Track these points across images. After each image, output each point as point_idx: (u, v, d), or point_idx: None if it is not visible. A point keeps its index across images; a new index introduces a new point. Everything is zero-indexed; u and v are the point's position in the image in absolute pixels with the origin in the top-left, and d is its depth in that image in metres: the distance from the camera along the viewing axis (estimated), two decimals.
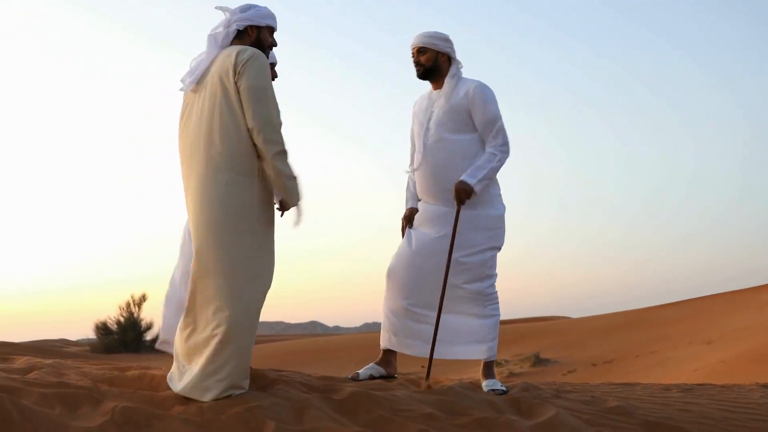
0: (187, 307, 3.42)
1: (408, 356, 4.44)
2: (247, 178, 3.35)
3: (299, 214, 3.50)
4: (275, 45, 3.66)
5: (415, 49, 4.31)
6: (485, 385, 4.11)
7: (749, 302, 21.26)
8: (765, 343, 12.88)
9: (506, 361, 17.10)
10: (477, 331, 4.21)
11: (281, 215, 3.57)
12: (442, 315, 4.17)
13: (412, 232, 4.34)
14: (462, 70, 4.33)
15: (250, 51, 3.37)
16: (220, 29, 3.54)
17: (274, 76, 4.44)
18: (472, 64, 4.41)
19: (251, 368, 4.10)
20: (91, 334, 21.11)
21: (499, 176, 4.30)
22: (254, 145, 3.36)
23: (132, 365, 4.08)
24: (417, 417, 3.25)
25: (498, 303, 4.28)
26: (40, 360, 4.10)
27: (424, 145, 4.28)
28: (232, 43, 3.53)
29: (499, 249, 4.31)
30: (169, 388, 3.35)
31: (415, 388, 3.88)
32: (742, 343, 14.04)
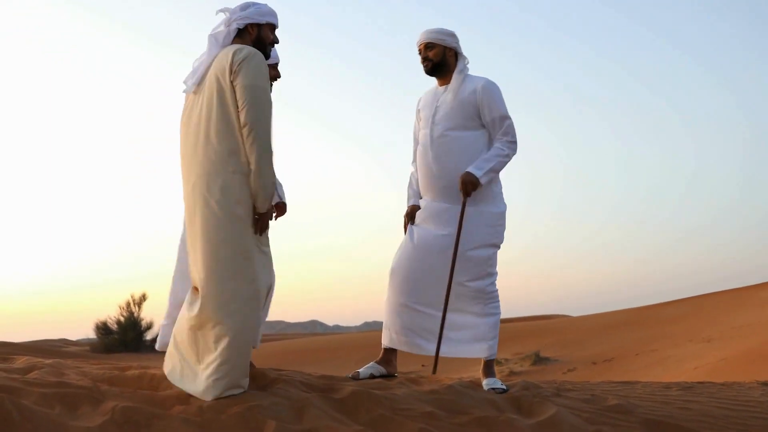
0: (187, 299, 3.42)
1: (408, 355, 4.44)
2: (243, 178, 3.35)
3: (264, 220, 3.42)
4: (276, 42, 3.66)
5: (422, 45, 4.33)
6: (485, 383, 4.11)
7: (749, 300, 21.27)
8: (765, 342, 12.88)
9: (506, 360, 17.10)
10: (478, 330, 4.21)
11: (275, 219, 3.55)
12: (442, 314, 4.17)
13: (415, 229, 4.33)
14: (468, 66, 4.35)
15: (247, 50, 3.37)
16: (221, 28, 3.54)
17: (277, 76, 4.43)
18: (473, 63, 4.42)
19: (253, 367, 4.11)
20: (91, 334, 21.12)
21: (500, 175, 4.31)
22: None
23: (132, 365, 4.08)
24: (417, 416, 3.25)
25: (498, 301, 4.29)
26: (40, 360, 4.10)
27: (429, 139, 4.28)
28: (233, 41, 3.53)
29: (499, 247, 4.32)
30: (170, 388, 3.35)
31: (416, 387, 3.88)
32: (743, 342, 14.05)
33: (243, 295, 3.30)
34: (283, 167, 3.95)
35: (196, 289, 3.41)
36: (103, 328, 20.26)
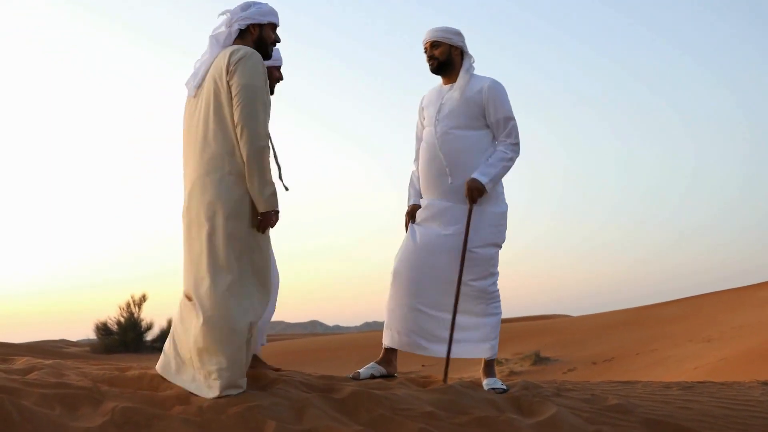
0: (182, 301, 3.43)
1: (408, 355, 4.44)
2: (239, 178, 3.35)
3: (266, 219, 3.39)
4: (278, 41, 3.66)
5: (428, 44, 4.32)
6: (486, 383, 4.11)
7: (749, 300, 21.27)
8: (765, 341, 12.88)
9: (506, 360, 17.10)
10: (481, 330, 4.21)
11: (272, 225, 3.50)
12: (446, 314, 4.17)
13: (417, 228, 4.32)
14: (474, 64, 4.35)
15: (243, 51, 3.37)
16: (222, 29, 3.53)
17: (279, 78, 4.43)
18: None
19: (265, 365, 4.12)
20: (91, 335, 21.11)
21: None
22: None
23: (132, 365, 4.08)
24: (417, 416, 3.24)
25: (500, 301, 4.29)
26: (40, 360, 4.10)
27: (433, 137, 4.28)
28: (235, 42, 3.53)
29: (501, 246, 4.32)
30: (170, 388, 3.36)
31: (416, 387, 3.88)
32: (743, 341, 14.05)
33: (237, 295, 3.31)
34: (283, 167, 3.95)
35: (188, 297, 3.42)
36: (103, 329, 20.24)
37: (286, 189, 3.72)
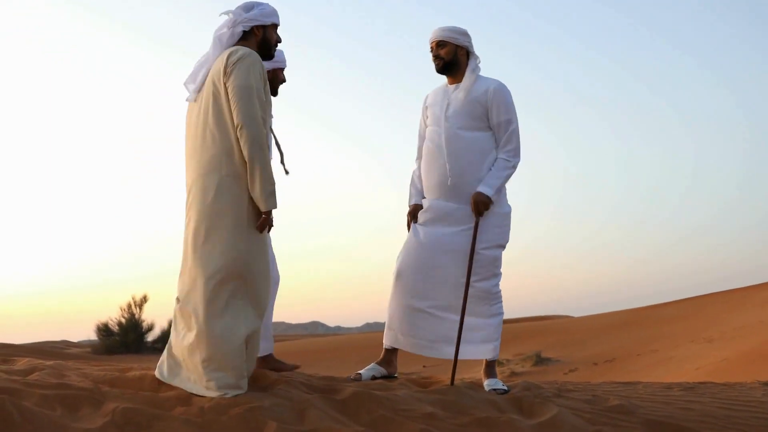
0: (180, 304, 3.43)
1: (409, 356, 4.44)
2: (237, 179, 3.35)
3: (267, 219, 3.40)
4: (280, 41, 3.66)
5: (434, 43, 4.31)
6: (487, 384, 4.10)
7: (750, 300, 21.25)
8: (766, 342, 12.87)
9: (508, 361, 17.09)
10: (484, 331, 4.20)
11: (268, 229, 3.51)
12: (450, 315, 4.17)
13: (420, 229, 4.31)
14: (480, 65, 4.34)
15: (241, 52, 3.36)
16: (225, 30, 3.52)
17: (282, 80, 4.43)
18: None
19: (283, 364, 4.11)
20: (92, 336, 21.10)
21: None
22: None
23: (133, 366, 4.08)
24: (418, 416, 3.24)
25: (502, 302, 4.29)
26: (41, 361, 4.10)
27: (438, 137, 4.28)
28: (238, 43, 3.53)
29: (504, 247, 4.32)
30: (171, 389, 3.36)
31: (417, 388, 3.88)
32: (744, 342, 14.04)
33: (231, 305, 3.31)
34: (285, 153, 3.93)
35: (179, 300, 3.42)
36: (104, 330, 20.24)
37: (287, 173, 3.73)
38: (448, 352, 4.17)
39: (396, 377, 4.29)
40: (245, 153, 3.31)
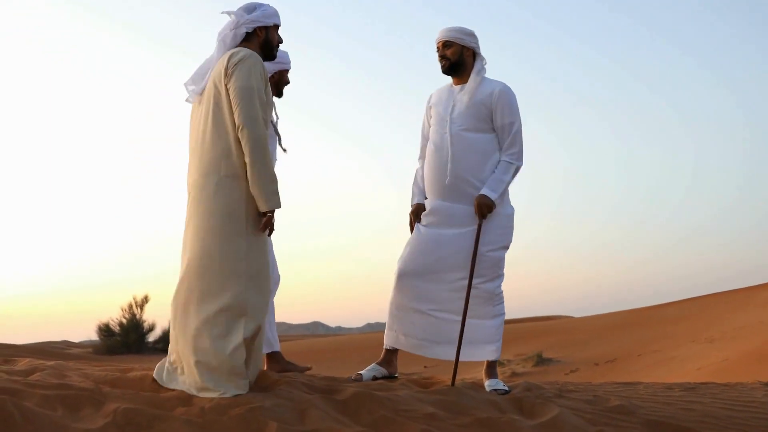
0: (178, 304, 3.43)
1: (410, 356, 4.43)
2: (235, 181, 3.35)
3: (268, 219, 3.39)
4: (281, 42, 3.67)
5: (441, 44, 4.31)
6: (488, 384, 4.10)
7: (751, 301, 21.23)
8: (767, 342, 12.86)
9: (509, 361, 17.09)
10: (485, 332, 4.20)
11: (268, 231, 3.50)
12: (451, 316, 4.17)
13: (423, 229, 4.30)
14: (486, 66, 4.34)
15: (242, 53, 3.37)
16: (228, 32, 3.52)
17: (286, 81, 4.43)
18: None
19: (296, 367, 4.12)
20: (93, 336, 21.11)
21: None
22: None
23: (134, 366, 4.09)
24: (419, 417, 3.24)
25: (504, 303, 4.29)
26: (42, 362, 4.11)
27: (442, 138, 4.27)
28: (240, 44, 3.53)
29: (508, 248, 4.32)
30: (171, 390, 3.36)
31: (418, 388, 3.88)
32: (745, 342, 14.03)
33: (230, 297, 3.31)
34: (283, 167, 3.96)
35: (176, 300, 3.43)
36: (105, 330, 20.24)
37: (285, 150, 3.79)
38: (450, 353, 4.17)
39: (397, 378, 4.29)
40: (246, 153, 3.31)
